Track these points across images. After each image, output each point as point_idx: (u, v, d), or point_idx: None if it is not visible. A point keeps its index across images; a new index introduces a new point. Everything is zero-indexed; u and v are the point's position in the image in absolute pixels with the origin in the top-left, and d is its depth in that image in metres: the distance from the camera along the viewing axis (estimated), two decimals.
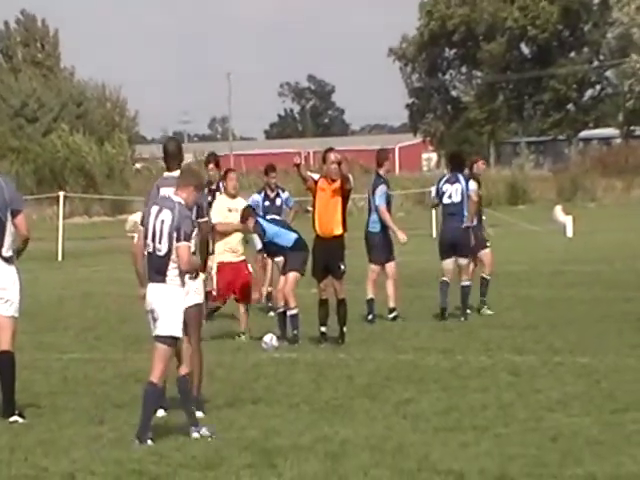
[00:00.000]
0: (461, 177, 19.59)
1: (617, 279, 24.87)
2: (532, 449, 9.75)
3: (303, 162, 17.36)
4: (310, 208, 17.12)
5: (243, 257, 17.84)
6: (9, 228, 11.86)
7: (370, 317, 18.78)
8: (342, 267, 16.51)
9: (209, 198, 16.06)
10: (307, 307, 17.35)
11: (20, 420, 11.69)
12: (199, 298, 11.83)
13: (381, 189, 18.97)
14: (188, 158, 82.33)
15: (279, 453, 9.82)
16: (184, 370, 10.89)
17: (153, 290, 10.68)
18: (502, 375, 13.51)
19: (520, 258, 31.10)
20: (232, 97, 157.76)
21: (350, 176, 16.61)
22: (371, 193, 19.12)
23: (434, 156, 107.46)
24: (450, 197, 19.34)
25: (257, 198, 20.11)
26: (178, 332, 10.62)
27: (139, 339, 16.85)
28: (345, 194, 16.49)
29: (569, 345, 15.70)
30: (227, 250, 17.64)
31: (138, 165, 77.92)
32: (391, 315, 18.85)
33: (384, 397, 12.33)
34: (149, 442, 10.44)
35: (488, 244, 20.32)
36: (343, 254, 16.57)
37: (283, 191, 19.82)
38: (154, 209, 10.80)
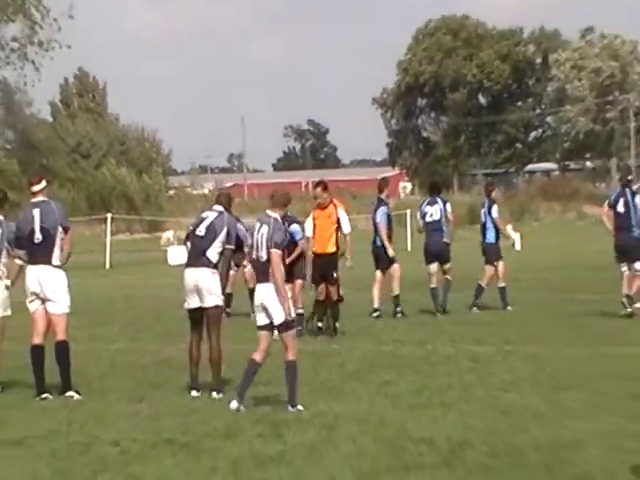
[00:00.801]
0: (439, 200, 19.74)
1: (558, 284, 24.87)
2: (488, 421, 9.77)
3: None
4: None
5: None
6: (58, 243, 11.90)
7: (399, 310, 18.79)
8: (334, 275, 16.57)
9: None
10: (307, 307, 17.33)
11: (76, 396, 11.70)
12: (219, 300, 11.84)
13: (382, 210, 18.87)
14: (210, 186, 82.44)
15: (285, 425, 9.83)
16: (258, 357, 10.86)
17: (261, 289, 10.73)
18: (464, 362, 13.49)
19: (479, 266, 31.07)
20: (246, 137, 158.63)
21: (345, 220, 16.59)
22: (373, 213, 18.99)
23: (409, 185, 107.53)
24: (431, 216, 19.46)
25: None
26: (291, 315, 10.66)
27: (171, 333, 16.86)
28: (338, 224, 16.50)
29: (519, 337, 15.69)
30: None
31: (170, 192, 77.95)
32: (375, 314, 18.77)
33: (369, 380, 12.31)
34: (299, 407, 10.50)
35: (496, 263, 20.00)
36: (336, 266, 16.60)
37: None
38: (257, 225, 10.92)
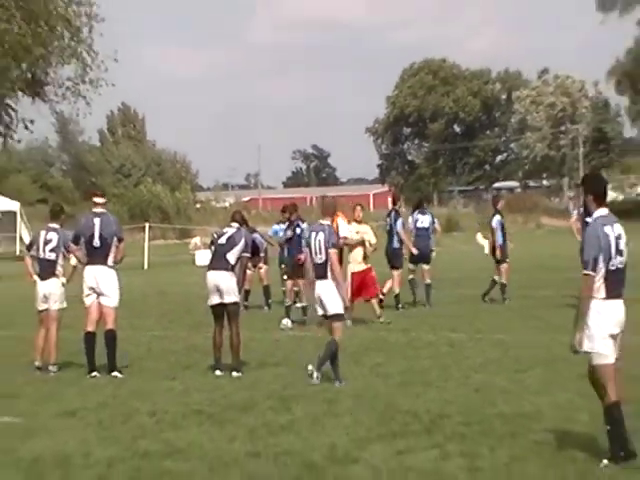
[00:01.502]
0: (427, 212, 19.78)
1: (520, 283, 24.69)
2: (462, 397, 9.76)
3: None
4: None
5: (364, 266, 16.67)
6: (113, 248, 11.98)
7: (400, 306, 18.62)
8: None
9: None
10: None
11: (119, 375, 11.71)
12: (236, 298, 11.86)
13: (400, 220, 18.84)
14: (231, 200, 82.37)
15: (293, 399, 9.82)
16: (336, 337, 10.88)
17: (319, 285, 10.80)
18: (442, 347, 13.47)
19: (455, 268, 31.16)
20: (261, 159, 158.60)
21: (343, 227, 16.15)
22: (393, 223, 18.72)
23: None
24: (422, 223, 19.47)
25: (277, 227, 19.91)
26: (341, 310, 10.75)
27: (198, 323, 16.82)
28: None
29: (488, 326, 15.65)
30: (354, 261, 16.61)
31: (197, 205, 77.78)
32: (380, 296, 18.61)
33: (364, 362, 12.29)
34: (344, 382, 10.56)
35: (507, 260, 20.04)
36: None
37: (303, 221, 17.82)
38: (312, 234, 11.00)
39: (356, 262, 16.73)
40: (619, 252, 7.14)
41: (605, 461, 7.08)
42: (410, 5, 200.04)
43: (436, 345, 13.67)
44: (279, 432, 8.47)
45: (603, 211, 7.22)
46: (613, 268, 7.10)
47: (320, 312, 10.89)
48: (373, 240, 17.02)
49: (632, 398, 8.44)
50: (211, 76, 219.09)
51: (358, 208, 17.27)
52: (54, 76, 42.70)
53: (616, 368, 7.13)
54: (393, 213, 19.08)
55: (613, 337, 7.10)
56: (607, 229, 7.16)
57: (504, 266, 19.96)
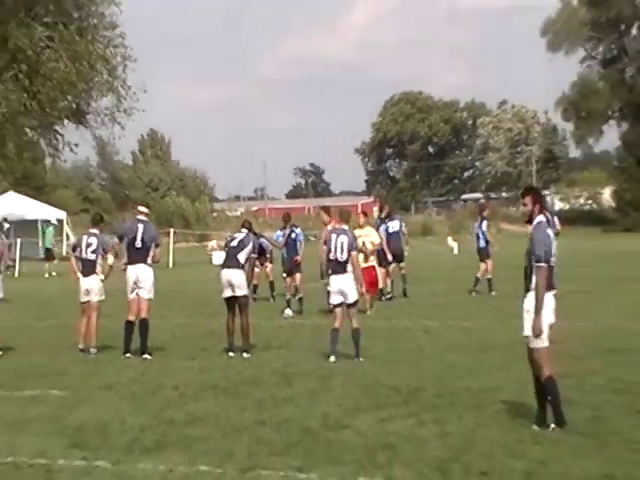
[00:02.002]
0: (396, 218, 19.66)
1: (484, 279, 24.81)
2: (432, 373, 9.77)
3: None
4: (312, 238, 16.92)
5: (367, 264, 16.15)
6: (151, 251, 12.00)
7: (388, 296, 18.54)
8: None
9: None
10: (309, 294, 17.31)
11: (148, 357, 11.70)
12: (246, 291, 11.87)
13: (383, 226, 18.85)
14: (242, 209, 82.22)
15: (294, 376, 9.82)
16: (337, 324, 10.90)
17: (340, 279, 10.78)
18: (419, 332, 13.46)
19: (429, 267, 31.14)
20: (267, 175, 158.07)
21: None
22: (377, 230, 18.55)
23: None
24: (393, 228, 19.40)
25: (279, 233, 19.85)
26: (357, 297, 10.81)
27: (214, 313, 16.76)
28: None
29: (457, 314, 15.62)
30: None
31: (214, 214, 77.63)
32: (388, 296, 18.60)
33: (353, 345, 12.29)
34: (361, 359, 10.67)
35: (487, 261, 20.21)
36: None
37: (297, 227, 18.14)
38: (333, 236, 10.91)
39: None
40: (554, 251, 7.25)
41: (552, 425, 7.12)
42: (392, 46, 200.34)
43: (413, 330, 13.66)
44: (282, 404, 8.47)
45: (542, 217, 7.31)
46: (552, 264, 7.18)
47: (337, 301, 10.88)
48: (377, 241, 16.81)
49: (573, 374, 8.49)
50: (225, 104, 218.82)
51: (360, 214, 17.06)
52: (94, 106, 42.75)
53: (549, 349, 7.18)
54: (378, 221, 19.12)
55: (550, 324, 7.18)
56: (549, 231, 7.26)
57: (487, 263, 20.11)
